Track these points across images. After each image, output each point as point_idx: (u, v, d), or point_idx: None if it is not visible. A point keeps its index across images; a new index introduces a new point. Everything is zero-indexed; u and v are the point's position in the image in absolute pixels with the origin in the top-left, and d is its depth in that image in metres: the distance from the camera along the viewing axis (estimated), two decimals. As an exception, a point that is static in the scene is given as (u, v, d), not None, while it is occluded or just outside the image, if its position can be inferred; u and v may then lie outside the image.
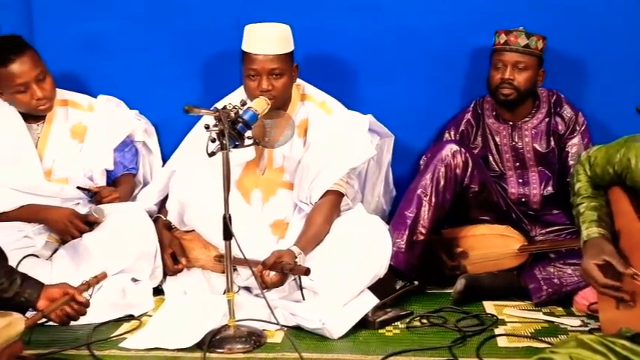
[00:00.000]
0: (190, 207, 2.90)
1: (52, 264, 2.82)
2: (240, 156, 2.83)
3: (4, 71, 2.92)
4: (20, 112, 3.05)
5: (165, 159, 3.31)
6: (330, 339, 2.52)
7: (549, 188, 3.09)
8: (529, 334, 2.55)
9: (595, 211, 2.30)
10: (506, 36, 3.00)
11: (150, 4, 3.37)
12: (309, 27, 3.15)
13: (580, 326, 2.61)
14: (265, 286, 2.59)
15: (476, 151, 3.11)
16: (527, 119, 3.11)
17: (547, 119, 3.10)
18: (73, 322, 2.36)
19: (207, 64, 3.38)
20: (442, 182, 2.88)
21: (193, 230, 2.94)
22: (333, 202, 2.88)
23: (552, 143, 3.09)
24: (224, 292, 2.54)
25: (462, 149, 2.92)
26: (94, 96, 3.29)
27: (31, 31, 3.36)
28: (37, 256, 2.81)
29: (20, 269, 2.43)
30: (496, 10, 3.19)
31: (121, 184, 3.22)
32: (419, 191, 2.89)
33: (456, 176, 2.90)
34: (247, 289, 2.84)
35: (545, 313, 2.74)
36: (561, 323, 2.64)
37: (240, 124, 2.45)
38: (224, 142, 2.38)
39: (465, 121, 3.19)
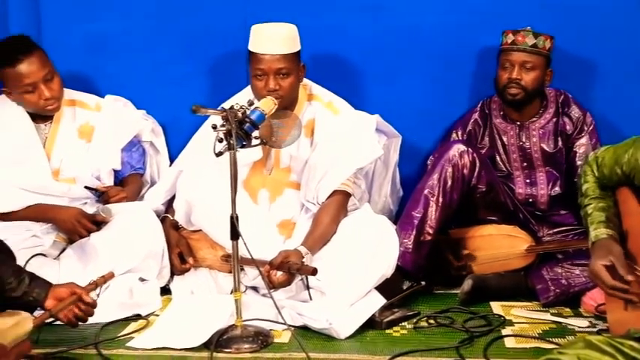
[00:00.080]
0: (197, 207, 2.90)
1: (60, 263, 2.83)
2: (248, 156, 2.83)
3: (12, 71, 2.92)
4: (28, 112, 3.06)
5: (172, 159, 3.31)
6: (337, 339, 2.51)
7: (557, 188, 3.08)
8: (537, 335, 2.54)
9: (603, 212, 2.29)
10: (513, 36, 2.99)
11: (157, 5, 3.37)
12: (316, 27, 3.16)
13: (588, 327, 2.60)
14: (272, 286, 2.59)
15: (483, 151, 3.10)
16: (534, 119, 3.10)
17: (555, 119, 3.09)
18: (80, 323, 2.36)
19: (214, 64, 3.38)
20: (449, 182, 2.88)
21: (200, 230, 2.94)
22: (340, 202, 2.88)
23: (560, 143, 3.08)
24: (231, 292, 2.54)
25: (470, 149, 2.91)
26: (102, 96, 3.30)
27: (39, 32, 3.37)
28: (44, 256, 2.82)
29: (28, 268, 2.44)
30: (504, 10, 3.18)
31: (128, 183, 3.22)
32: (426, 191, 2.88)
33: (464, 176, 2.89)
34: (254, 288, 2.84)
35: (552, 314, 2.73)
36: (569, 324, 2.63)
37: (248, 124, 2.45)
38: (231, 142, 2.38)
39: (472, 121, 3.18)
